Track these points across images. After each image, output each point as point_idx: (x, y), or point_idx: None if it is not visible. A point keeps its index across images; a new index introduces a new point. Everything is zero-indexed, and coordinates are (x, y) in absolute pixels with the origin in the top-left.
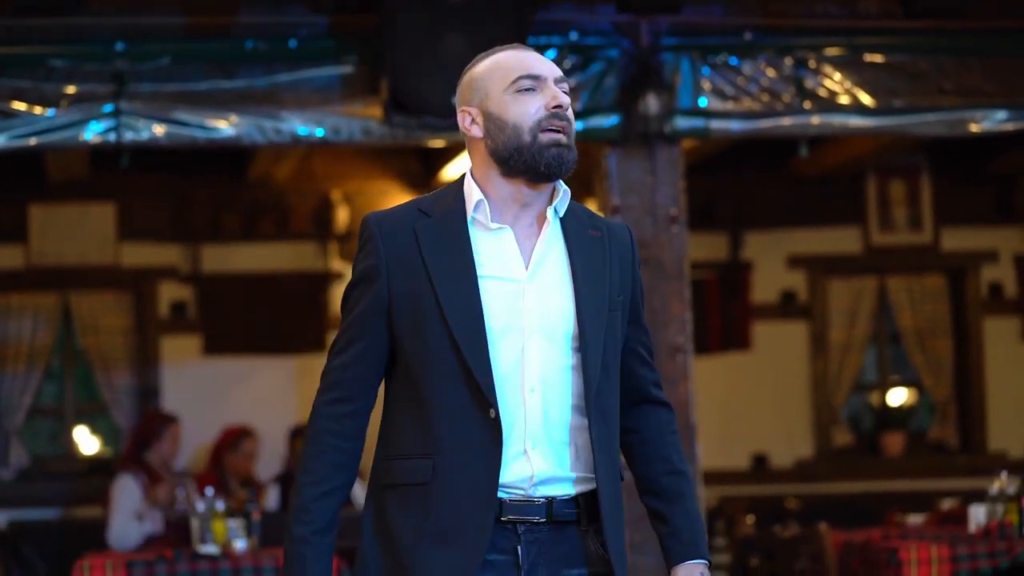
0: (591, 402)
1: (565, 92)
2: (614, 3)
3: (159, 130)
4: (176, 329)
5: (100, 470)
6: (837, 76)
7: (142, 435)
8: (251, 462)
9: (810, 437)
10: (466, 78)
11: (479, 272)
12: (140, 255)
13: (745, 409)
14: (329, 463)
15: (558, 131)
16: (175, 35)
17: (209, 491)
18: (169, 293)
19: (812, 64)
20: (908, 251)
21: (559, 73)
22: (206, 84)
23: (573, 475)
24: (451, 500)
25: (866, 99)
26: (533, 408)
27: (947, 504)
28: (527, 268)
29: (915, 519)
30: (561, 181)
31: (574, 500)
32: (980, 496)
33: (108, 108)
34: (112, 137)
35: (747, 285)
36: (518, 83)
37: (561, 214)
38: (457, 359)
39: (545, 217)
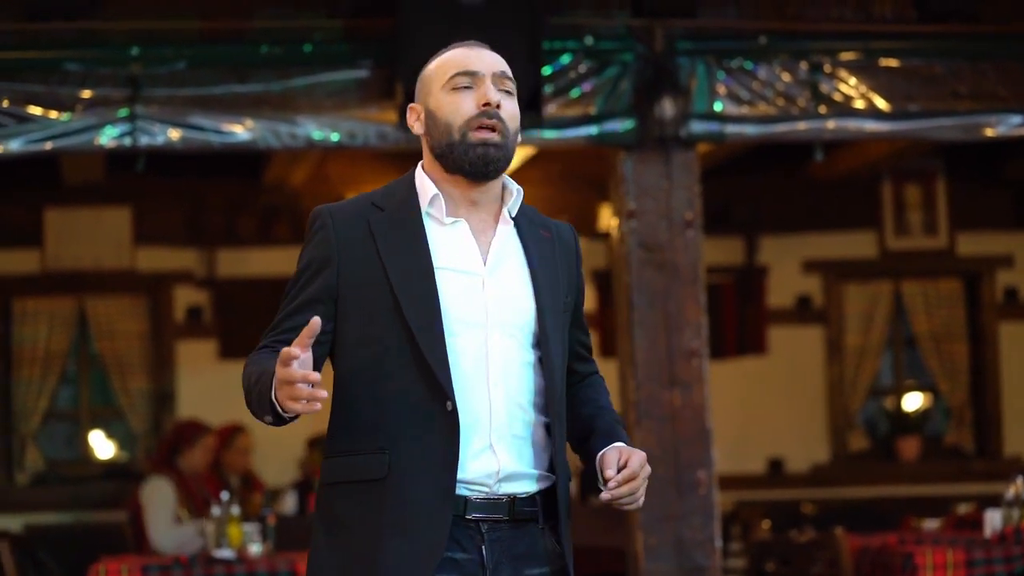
0: (553, 400)
1: (507, 90)
2: (629, 7)
3: (174, 134)
4: (192, 333)
5: (116, 474)
6: (852, 80)
7: (174, 441)
8: (247, 457)
9: (826, 442)
10: (420, 75)
11: (435, 264)
12: (156, 259)
13: (761, 414)
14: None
15: (489, 129)
16: (190, 39)
17: (224, 495)
18: (185, 297)
19: (827, 68)
20: (924, 255)
21: (501, 69)
22: (221, 88)
23: (535, 472)
24: (408, 495)
25: (881, 103)
26: (497, 403)
27: (963, 509)
28: (485, 262)
29: (931, 524)
30: (512, 180)
31: (532, 498)
32: (996, 501)
33: (123, 112)
34: (127, 141)
35: (763, 289)
36: (454, 80)
37: (513, 214)
38: (412, 351)
39: (499, 215)
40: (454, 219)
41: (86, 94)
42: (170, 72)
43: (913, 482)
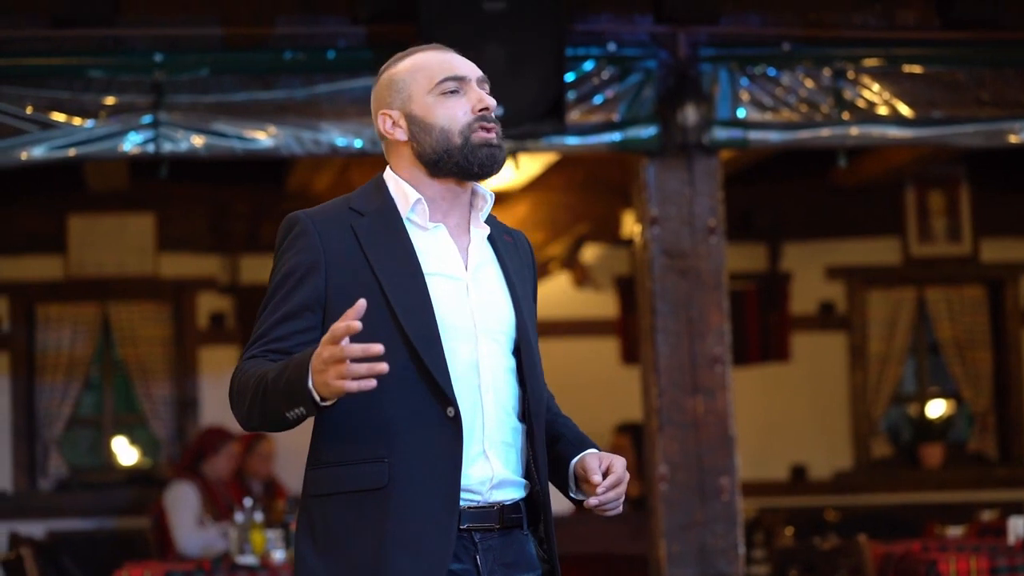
0: (533, 405)
1: (489, 93)
2: (652, 14)
3: (198, 141)
4: (215, 340)
5: (139, 481)
6: (875, 87)
7: (199, 447)
8: (270, 463)
9: (849, 448)
10: (384, 79)
11: (424, 270)
12: (179, 266)
13: (784, 420)
14: (272, 364)
15: (487, 132)
16: (213, 46)
17: (248, 502)
18: (208, 304)
19: (851, 75)
20: (947, 262)
21: (480, 73)
22: (244, 95)
23: (521, 480)
24: (412, 504)
25: (905, 110)
26: (489, 409)
27: (986, 515)
28: (466, 267)
29: (954, 531)
30: (481, 185)
31: (517, 505)
32: (1019, 507)
33: (147, 119)
34: (151, 148)
35: (786, 296)
36: (443, 85)
37: (484, 218)
38: (411, 356)
39: (469, 219)
40: (436, 224)
41: (110, 101)
42: (193, 79)
43: (936, 489)
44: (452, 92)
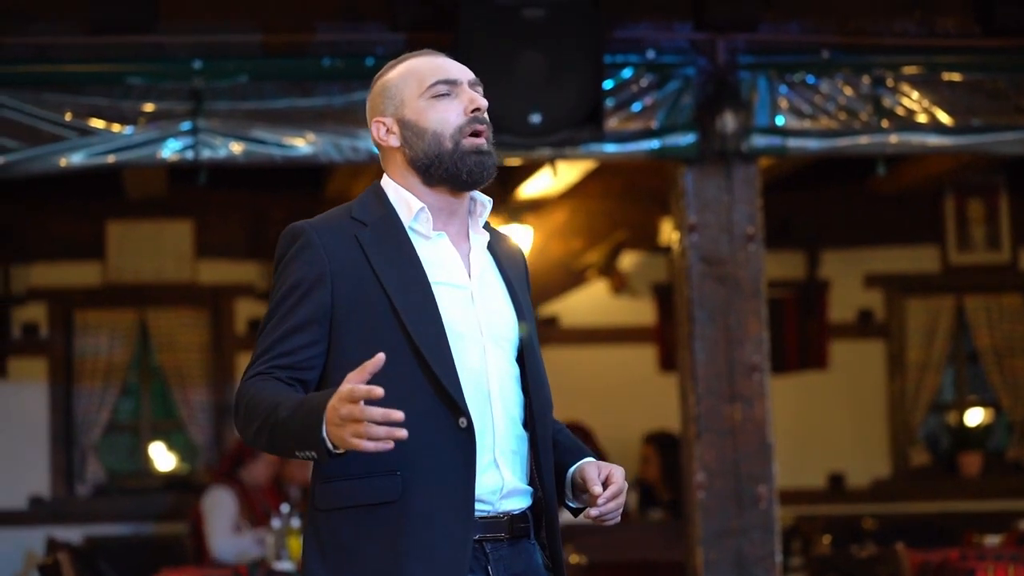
0: (537, 412)
1: (481, 95)
2: (691, 21)
3: (236, 148)
4: (252, 346)
5: (176, 486)
6: (915, 94)
7: (238, 453)
8: (307, 468)
9: (887, 457)
10: (377, 87)
11: (430, 279)
12: (217, 272)
13: (822, 428)
14: (281, 386)
15: (478, 135)
16: (252, 53)
17: (285, 508)
18: (246, 310)
19: (890, 82)
20: (986, 270)
21: (472, 76)
22: (283, 102)
23: (528, 488)
24: (426, 516)
25: (944, 117)
26: (498, 418)
27: None
28: (469, 275)
29: (992, 539)
30: (479, 192)
31: (524, 514)
32: None
33: (186, 126)
34: (190, 155)
35: (824, 304)
36: (434, 88)
37: (481, 224)
38: (421, 367)
39: (467, 226)
40: (438, 233)
41: (149, 107)
42: (232, 86)
43: (975, 498)
44: (444, 95)
